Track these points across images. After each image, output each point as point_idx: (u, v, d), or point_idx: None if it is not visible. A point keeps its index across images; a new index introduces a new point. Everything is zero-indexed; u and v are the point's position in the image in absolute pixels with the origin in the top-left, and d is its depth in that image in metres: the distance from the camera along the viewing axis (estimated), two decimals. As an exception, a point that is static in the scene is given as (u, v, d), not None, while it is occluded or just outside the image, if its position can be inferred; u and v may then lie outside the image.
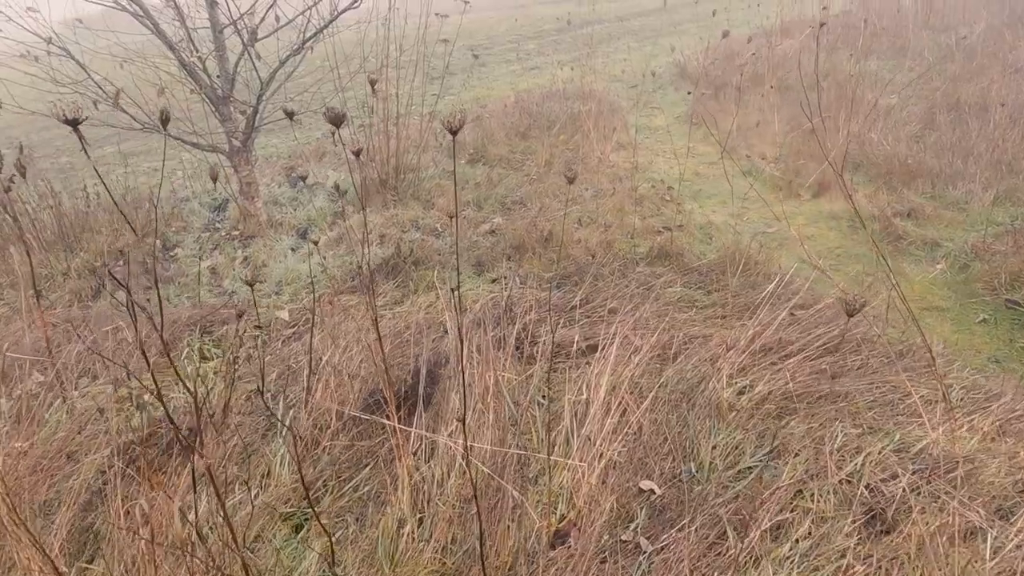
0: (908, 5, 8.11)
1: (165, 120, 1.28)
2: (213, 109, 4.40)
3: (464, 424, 1.50)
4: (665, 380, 2.35)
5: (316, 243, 2.08)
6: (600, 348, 2.46)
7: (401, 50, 4.97)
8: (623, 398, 2.20)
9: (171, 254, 4.62)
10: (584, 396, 2.17)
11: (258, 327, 3.61)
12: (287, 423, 2.17)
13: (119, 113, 4.26)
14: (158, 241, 4.70)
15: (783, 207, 4.45)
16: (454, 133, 1.01)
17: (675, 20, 11.35)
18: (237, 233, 4.80)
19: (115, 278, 1.30)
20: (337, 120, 1.49)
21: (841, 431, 2.13)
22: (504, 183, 5.23)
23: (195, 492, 1.59)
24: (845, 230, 4.02)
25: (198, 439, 1.40)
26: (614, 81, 8.13)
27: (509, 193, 5.04)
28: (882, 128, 5.10)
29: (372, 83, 1.58)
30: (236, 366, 2.37)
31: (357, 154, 1.55)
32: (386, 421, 1.92)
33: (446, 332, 3.03)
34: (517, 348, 2.60)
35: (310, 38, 4.17)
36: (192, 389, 1.45)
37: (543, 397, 2.38)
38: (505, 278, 3.82)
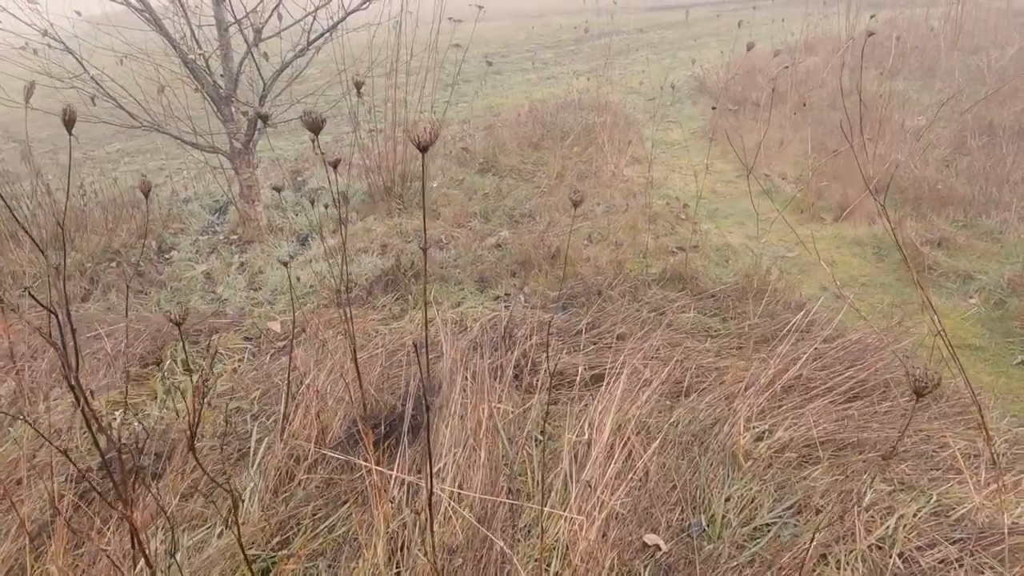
0: (937, 26, 7.89)
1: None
2: (215, 109, 4.26)
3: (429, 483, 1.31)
4: (676, 419, 2.15)
5: (286, 264, 1.90)
6: (606, 380, 2.26)
7: (412, 54, 4.82)
8: (629, 439, 2.00)
9: (166, 256, 4.47)
10: (586, 436, 1.97)
11: (247, 339, 3.46)
12: (258, 459, 1.99)
13: (118, 110, 4.14)
14: (153, 243, 4.56)
15: (804, 230, 4.24)
16: (423, 149, 0.84)
17: (694, 33, 11.17)
18: (236, 237, 4.64)
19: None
20: (314, 127, 1.31)
21: (870, 486, 1.92)
22: (513, 195, 5.06)
23: (135, 547, 1.40)
24: (870, 257, 3.81)
25: (135, 482, 1.21)
26: (631, 93, 7.96)
27: (518, 205, 4.86)
28: (910, 151, 4.89)
29: (358, 86, 1.41)
30: (207, 388, 2.18)
31: (335, 165, 1.37)
32: (361, 462, 1.73)
33: (442, 352, 2.85)
34: (516, 377, 2.41)
35: (316, 38, 4.02)
36: (162, 408, 1.27)
37: (541, 433, 2.19)
38: (507, 295, 3.64)
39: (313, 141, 1.43)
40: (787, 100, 6.43)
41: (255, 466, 2.00)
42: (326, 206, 1.91)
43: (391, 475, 1.77)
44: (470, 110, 7.43)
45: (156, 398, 2.75)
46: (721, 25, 10.98)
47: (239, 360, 3.14)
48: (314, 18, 3.90)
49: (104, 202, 4.96)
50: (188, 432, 1.92)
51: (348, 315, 1.72)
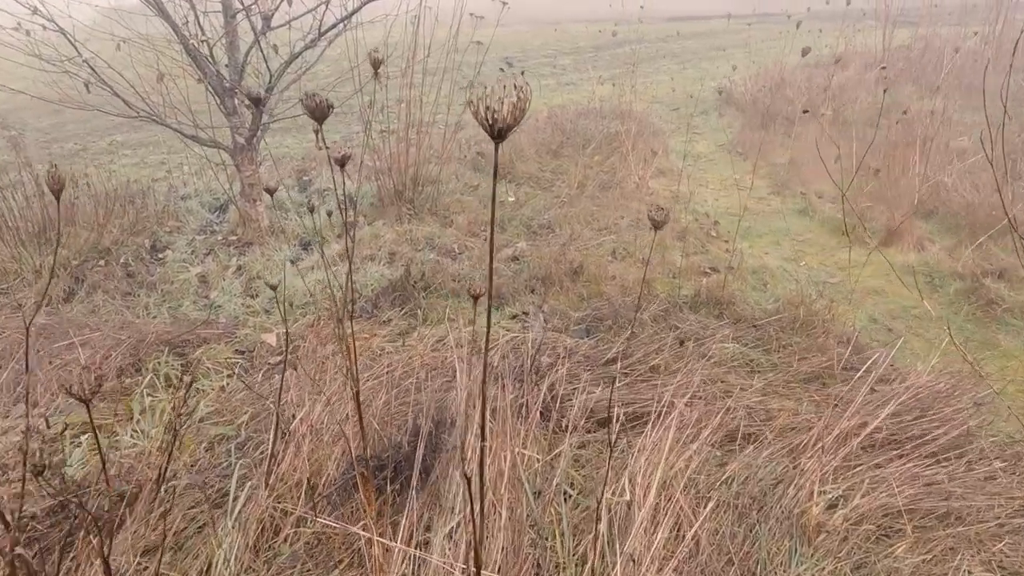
0: (973, 44, 7.58)
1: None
2: (218, 101, 3.98)
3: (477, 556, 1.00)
4: (729, 476, 1.84)
5: (294, 262, 1.60)
6: (647, 426, 1.95)
7: (429, 52, 4.53)
8: (676, 499, 1.69)
9: (159, 256, 4.18)
10: (627, 496, 1.66)
11: (240, 352, 3.15)
12: (238, 507, 1.68)
13: (113, 98, 3.86)
14: (147, 241, 4.26)
15: (847, 254, 3.93)
16: (341, 165, 0.55)
17: (718, 44, 10.89)
18: (235, 239, 4.35)
19: None
20: (318, 113, 1.01)
21: (965, 569, 1.60)
22: (531, 204, 4.76)
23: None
24: (923, 287, 3.49)
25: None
26: (654, 102, 7.67)
27: (536, 215, 4.57)
28: (956, 172, 4.57)
29: (375, 64, 1.11)
30: (186, 411, 1.88)
31: (342, 163, 1.08)
32: (358, 531, 1.42)
33: (454, 375, 2.54)
34: (542, 415, 2.10)
35: (329, 28, 3.74)
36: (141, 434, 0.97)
37: (571, 485, 1.88)
38: (526, 313, 3.34)
39: (317, 133, 1.12)
40: (820, 115, 6.13)
41: (234, 516, 1.69)
42: (329, 213, 1.61)
43: (394, 547, 1.46)
44: (486, 114, 7.14)
45: (131, 418, 2.44)
46: (746, 38, 10.71)
47: (228, 376, 2.84)
48: (326, 7, 3.62)
49: (98, 196, 4.67)
50: (161, 468, 1.62)
51: (351, 346, 1.41)
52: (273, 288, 1.32)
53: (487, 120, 0.53)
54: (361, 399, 2.37)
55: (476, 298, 0.88)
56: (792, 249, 4.06)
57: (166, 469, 1.52)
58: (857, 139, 5.13)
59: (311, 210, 1.33)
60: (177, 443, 1.71)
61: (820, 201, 4.73)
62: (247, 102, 4.03)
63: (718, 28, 12.87)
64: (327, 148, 1.09)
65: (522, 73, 5.02)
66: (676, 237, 4.14)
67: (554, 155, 5.83)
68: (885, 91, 3.64)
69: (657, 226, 1.01)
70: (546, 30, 15.17)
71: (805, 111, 2.21)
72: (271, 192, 1.32)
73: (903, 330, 3.15)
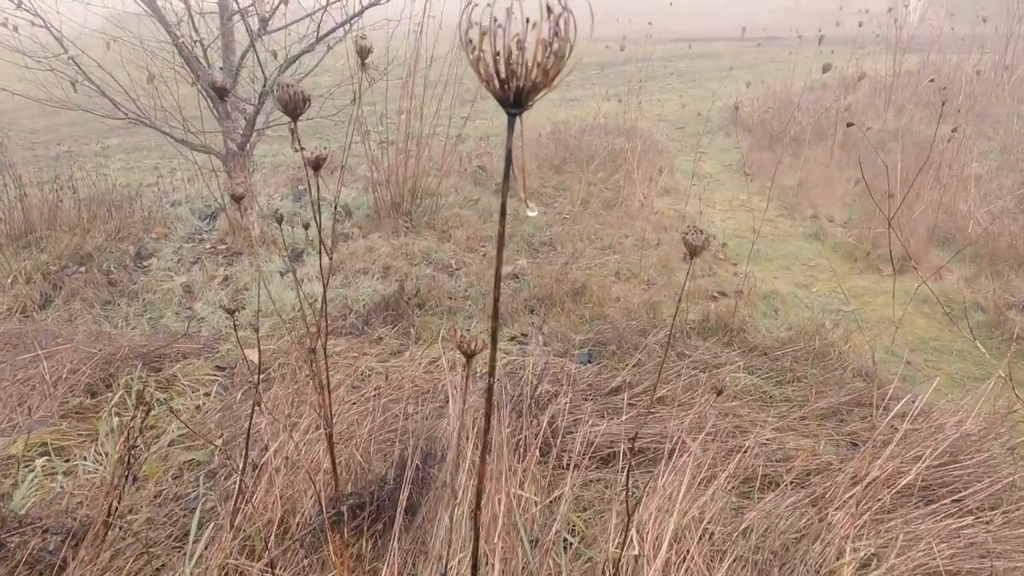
0: (985, 71, 7.49)
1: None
2: (210, 105, 3.83)
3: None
4: (748, 527, 1.66)
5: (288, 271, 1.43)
6: (657, 464, 1.77)
7: (431, 63, 4.40)
8: (690, 553, 1.51)
9: (144, 264, 4.00)
10: (635, 550, 1.48)
11: (220, 368, 2.97)
12: (199, 550, 1.49)
13: (101, 98, 3.71)
14: (131, 247, 4.09)
15: (861, 281, 3.77)
16: (316, 168, 0.40)
17: (725, 65, 10.83)
18: (223, 248, 4.18)
19: None
20: (291, 107, 0.85)
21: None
22: (532, 220, 4.60)
23: None
24: (940, 318, 3.33)
25: None
26: (660, 121, 7.55)
27: (537, 232, 4.41)
28: (971, 199, 4.43)
29: (362, 54, 0.95)
30: (136, 451, 1.70)
31: (316, 167, 0.91)
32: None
33: (447, 401, 2.36)
34: (542, 450, 1.92)
35: (328, 33, 3.60)
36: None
37: (571, 531, 1.70)
38: (525, 335, 3.17)
39: (292, 132, 0.96)
40: (828, 137, 6.01)
41: (193, 560, 1.50)
42: (306, 226, 1.44)
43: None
44: (489, 126, 7.01)
45: (96, 439, 2.26)
46: (751, 59, 10.65)
47: (206, 394, 2.66)
48: (324, 10, 3.48)
49: (85, 199, 4.50)
50: (112, 499, 1.44)
51: (324, 382, 1.23)
52: (231, 313, 1.15)
53: (497, 74, 0.35)
54: (346, 425, 2.20)
55: (469, 356, 0.72)
56: (803, 274, 3.90)
57: (117, 507, 1.34)
58: (868, 163, 5.00)
59: (279, 221, 1.16)
60: (131, 478, 1.53)
61: (832, 226, 4.58)
62: (241, 106, 3.89)
63: (725, 49, 12.83)
64: (302, 149, 0.93)
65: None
66: (682, 259, 3.98)
67: (557, 171, 5.69)
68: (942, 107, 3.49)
69: (694, 252, 0.85)
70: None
71: (850, 124, 2.07)
72: (238, 199, 1.16)
73: (922, 364, 2.99)
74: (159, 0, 3.48)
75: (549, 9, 0.34)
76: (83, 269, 3.79)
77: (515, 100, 0.38)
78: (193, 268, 3.94)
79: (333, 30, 3.63)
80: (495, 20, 0.34)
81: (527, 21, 0.34)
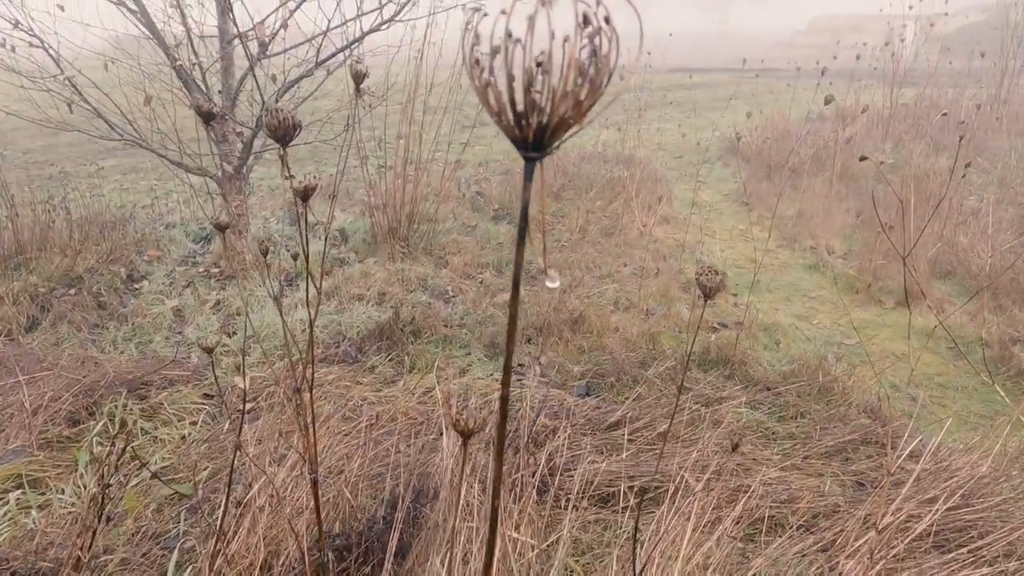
0: (982, 105, 7.55)
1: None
2: (206, 128, 3.80)
3: None
4: (755, 574, 1.58)
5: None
6: (659, 505, 1.70)
7: (431, 89, 4.39)
8: (694, 604, 1.43)
9: (135, 287, 3.94)
10: (638, 600, 1.40)
11: (208, 396, 2.89)
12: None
13: (97, 120, 3.68)
14: (123, 270, 4.03)
15: (863, 314, 3.72)
16: (304, 198, 0.35)
17: (722, 95, 10.92)
18: (217, 271, 4.12)
19: None
20: (280, 133, 0.80)
21: None
22: (531, 248, 4.55)
23: None
24: (945, 353, 3.27)
25: None
26: (658, 150, 7.57)
27: (535, 259, 4.35)
28: (971, 233, 4.41)
29: (357, 78, 0.90)
30: (111, 484, 1.63)
31: (305, 196, 0.86)
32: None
33: (441, 434, 2.28)
34: (539, 490, 1.85)
35: (328, 58, 3.59)
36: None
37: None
38: (522, 365, 3.10)
39: (282, 158, 0.91)
40: (827, 168, 6.01)
41: (169, 607, 1.42)
42: (295, 256, 1.38)
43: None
44: (488, 152, 7.01)
45: (75, 471, 2.17)
46: (752, 89, 10.74)
47: (192, 424, 2.57)
48: (325, 36, 3.47)
49: (79, 220, 4.44)
50: (84, 543, 1.36)
51: (310, 422, 1.16)
52: (208, 351, 1.08)
53: (512, 106, 0.27)
54: (335, 459, 2.12)
55: (466, 437, 0.65)
56: (804, 306, 3.85)
57: (90, 546, 1.26)
58: (866, 194, 4.99)
59: (264, 253, 1.10)
60: (103, 518, 1.45)
61: (832, 257, 4.54)
62: (238, 129, 3.86)
63: (724, 79, 12.96)
64: (291, 177, 0.87)
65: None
66: (682, 288, 3.94)
67: (555, 198, 5.67)
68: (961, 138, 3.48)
69: (708, 294, 0.80)
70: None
71: (863, 158, 2.03)
72: (221, 228, 1.11)
73: (928, 400, 2.92)
74: (159, 24, 3.47)
75: (586, 20, 0.27)
76: (72, 291, 3.72)
77: (536, 141, 0.30)
78: (185, 292, 3.87)
79: (333, 55, 3.63)
80: (510, 34, 0.27)
81: (553, 36, 0.27)
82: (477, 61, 0.28)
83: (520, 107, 0.28)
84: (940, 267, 4.14)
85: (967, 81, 8.12)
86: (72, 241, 4.00)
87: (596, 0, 0.26)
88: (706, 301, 0.83)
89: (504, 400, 0.43)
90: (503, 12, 0.27)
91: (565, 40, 0.26)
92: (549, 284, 0.31)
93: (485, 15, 0.27)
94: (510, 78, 0.28)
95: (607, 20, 0.26)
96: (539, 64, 0.27)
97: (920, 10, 7.73)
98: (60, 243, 4.07)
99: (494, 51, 0.27)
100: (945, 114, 3.94)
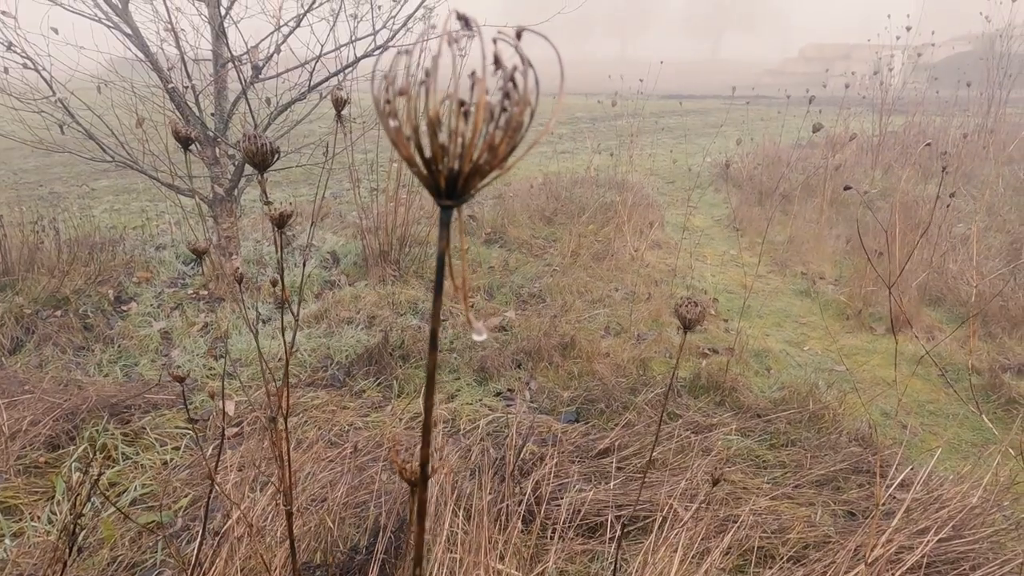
0: (969, 134, 7.65)
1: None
2: (199, 150, 3.80)
3: None
4: (743, 609, 1.55)
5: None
6: (647, 535, 1.67)
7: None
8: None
9: (123, 309, 3.90)
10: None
11: (192, 420, 2.85)
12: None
13: (88, 141, 3.67)
14: (111, 291, 4.00)
15: (853, 340, 3.72)
16: (280, 225, 0.36)
17: (713, 122, 11.04)
18: (206, 293, 4.10)
19: None
20: (258, 159, 0.79)
21: None
22: (522, 271, 4.56)
23: None
24: (936, 380, 3.26)
25: None
26: (651, 175, 7.62)
27: (526, 283, 4.35)
28: (960, 260, 4.43)
29: (337, 104, 0.90)
30: (83, 515, 1.59)
31: (280, 224, 0.85)
32: None
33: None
34: (524, 519, 1.81)
35: (321, 82, 3.61)
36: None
37: (555, 611, 1.58)
38: (511, 391, 3.07)
39: (260, 183, 0.90)
40: (817, 194, 6.06)
41: (141, 642, 1.37)
42: (273, 283, 1.35)
43: None
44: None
45: (52, 498, 2.13)
46: (743, 116, 10.87)
47: (176, 448, 2.53)
48: (318, 60, 3.50)
49: (68, 241, 4.42)
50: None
51: (284, 451, 1.14)
52: (180, 380, 1.06)
53: (421, 150, 0.26)
54: (319, 487, 2.08)
55: (412, 485, 0.64)
56: (795, 331, 3.85)
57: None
58: (856, 220, 5.03)
59: (239, 281, 1.09)
60: (75, 550, 1.42)
61: (823, 283, 4.56)
62: (231, 152, 3.86)
63: (715, 106, 13.12)
64: (269, 203, 0.86)
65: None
66: (673, 314, 3.93)
67: (547, 222, 5.69)
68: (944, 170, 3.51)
69: (688, 325, 0.79)
70: (545, 99, 15.42)
71: (847, 188, 2.05)
72: (200, 253, 1.09)
73: (919, 428, 2.91)
74: (153, 47, 3.49)
75: (497, 61, 0.26)
76: (59, 313, 3.68)
77: (449, 188, 0.30)
78: (173, 314, 3.84)
79: (326, 79, 3.65)
80: (424, 72, 0.26)
81: (472, 75, 0.26)
82: (388, 102, 0.27)
83: (428, 154, 0.27)
84: (930, 294, 4.15)
85: (954, 109, 8.24)
86: (60, 262, 3.97)
87: (517, 34, 0.25)
88: (686, 332, 0.82)
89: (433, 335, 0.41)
90: (406, 52, 0.26)
91: (474, 82, 0.25)
92: (476, 337, 0.29)
93: (407, 53, 0.26)
94: (414, 124, 0.27)
95: (524, 60, 0.25)
96: (452, 108, 0.26)
97: (907, 40, 7.86)
98: (48, 264, 4.04)
99: (400, 93, 0.26)
100: (929, 144, 3.98)
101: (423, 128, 0.26)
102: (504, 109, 0.26)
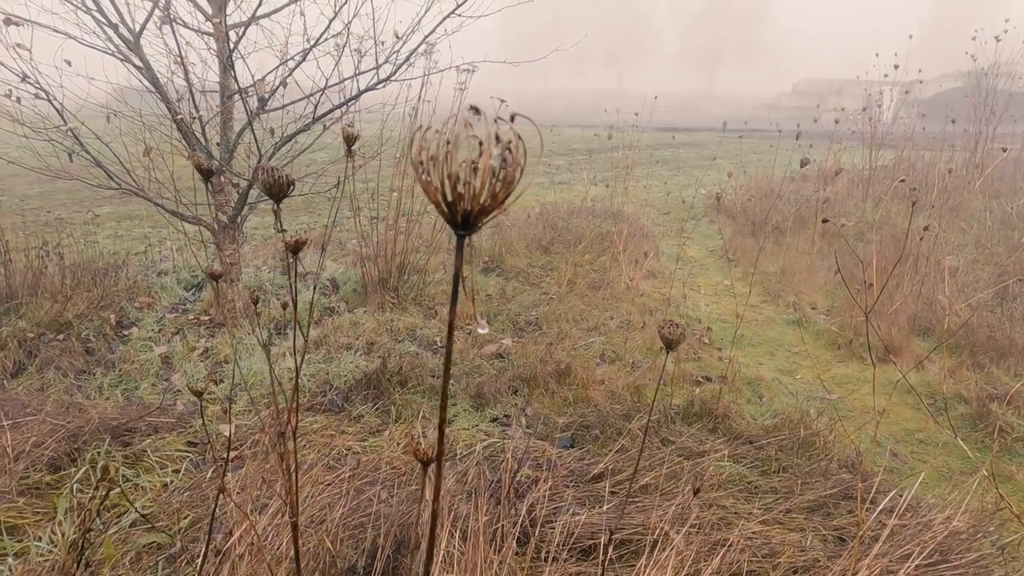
0: (956, 168, 7.82)
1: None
2: (206, 183, 3.89)
3: None
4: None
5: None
6: (640, 557, 1.71)
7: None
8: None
9: (124, 333, 3.95)
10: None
11: (192, 444, 2.88)
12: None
13: (95, 168, 3.76)
14: (113, 316, 4.05)
15: (844, 369, 3.78)
16: (294, 252, 0.41)
17: (706, 154, 11.23)
18: (207, 319, 4.15)
19: None
20: (274, 190, 0.86)
21: None
22: (519, 299, 4.63)
23: None
24: (925, 409, 3.32)
25: None
26: (646, 206, 7.75)
27: (523, 311, 4.42)
28: (949, 291, 4.52)
29: (349, 141, 0.98)
30: (92, 529, 1.63)
31: (295, 250, 0.92)
32: None
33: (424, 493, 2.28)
34: (519, 541, 1.85)
35: (324, 114, 3.72)
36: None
37: (549, 630, 1.61)
38: (507, 416, 3.11)
39: (275, 213, 0.97)
40: (809, 226, 6.17)
41: (144, 657, 1.40)
42: (284, 306, 1.41)
43: None
44: (478, 207, 7.15)
45: (54, 518, 2.15)
46: (736, 149, 11.06)
47: (175, 471, 2.56)
48: (322, 93, 3.61)
49: (71, 266, 4.48)
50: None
51: (291, 465, 1.19)
52: (198, 395, 1.12)
53: (445, 196, 0.36)
54: (317, 509, 2.12)
55: (426, 465, 0.70)
56: (787, 360, 3.91)
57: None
58: (848, 252, 5.13)
59: (255, 303, 1.16)
60: (83, 565, 1.45)
61: (815, 313, 4.63)
62: (235, 180, 3.95)
63: (708, 139, 13.35)
64: (283, 232, 0.93)
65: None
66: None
67: (544, 251, 5.78)
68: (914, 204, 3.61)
69: (670, 346, 0.85)
70: (542, 131, 15.68)
71: (825, 220, 2.14)
72: (215, 277, 1.16)
73: (908, 456, 2.95)
74: (162, 78, 3.60)
75: (498, 138, 0.35)
76: (61, 337, 3.73)
77: (464, 222, 0.39)
78: (174, 339, 3.89)
79: (330, 111, 3.76)
80: (448, 142, 0.35)
81: (480, 143, 0.35)
82: (420, 163, 0.35)
83: (450, 199, 0.35)
84: (920, 324, 4.22)
85: (943, 144, 8.43)
86: (63, 287, 4.03)
87: (511, 117, 0.33)
88: (668, 351, 0.89)
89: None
90: (437, 131, 0.34)
91: (482, 151, 0.33)
92: (479, 331, 0.37)
93: (430, 127, 0.34)
94: (442, 179, 0.35)
95: (516, 136, 0.33)
96: (467, 168, 0.34)
97: (896, 77, 8.08)
98: (51, 289, 4.10)
99: (431, 158, 0.34)
100: (903, 180, 4.10)
101: (438, 183, 0.35)
102: (500, 170, 0.35)
